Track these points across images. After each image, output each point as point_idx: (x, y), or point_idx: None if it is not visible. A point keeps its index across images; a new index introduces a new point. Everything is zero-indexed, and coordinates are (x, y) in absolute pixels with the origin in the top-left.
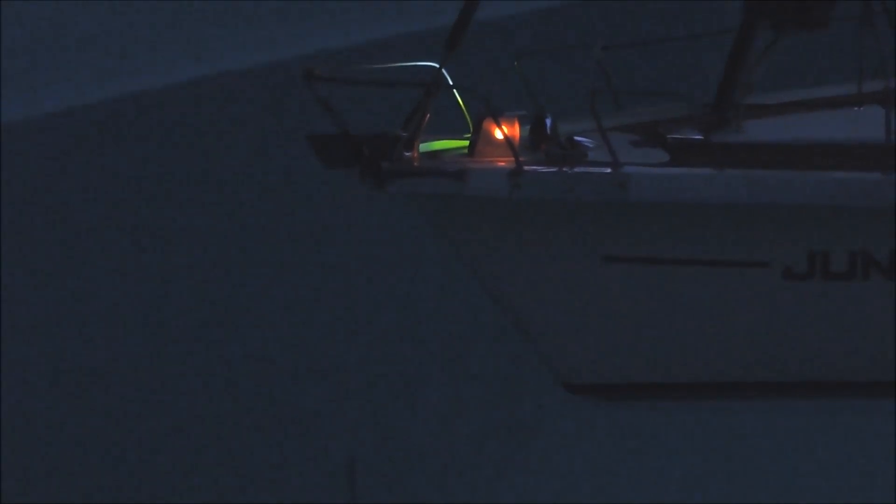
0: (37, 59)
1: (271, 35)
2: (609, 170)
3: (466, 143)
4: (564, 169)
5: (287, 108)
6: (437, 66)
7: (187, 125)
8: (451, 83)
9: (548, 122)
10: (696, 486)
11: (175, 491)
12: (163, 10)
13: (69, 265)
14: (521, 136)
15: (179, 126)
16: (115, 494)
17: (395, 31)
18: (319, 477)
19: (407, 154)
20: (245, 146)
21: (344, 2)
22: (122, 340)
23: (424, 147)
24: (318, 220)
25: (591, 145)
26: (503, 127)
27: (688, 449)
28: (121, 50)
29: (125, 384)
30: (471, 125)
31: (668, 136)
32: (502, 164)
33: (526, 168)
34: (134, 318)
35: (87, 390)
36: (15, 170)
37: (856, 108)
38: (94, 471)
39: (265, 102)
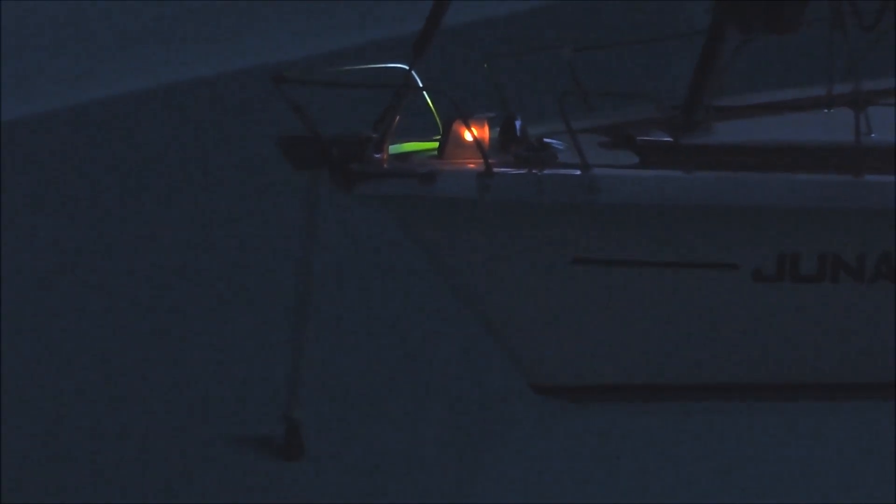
0: (36, 57)
1: (238, 44)
2: (578, 172)
3: (436, 144)
4: (534, 171)
5: (262, 112)
6: (407, 68)
7: (183, 124)
8: (420, 85)
9: (517, 124)
10: (667, 489)
11: (176, 491)
12: (160, 11)
13: (69, 263)
14: (490, 138)
15: (176, 125)
16: (116, 495)
17: (364, 39)
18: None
19: (376, 156)
20: (243, 145)
21: (312, 8)
22: (123, 337)
23: (394, 149)
24: (300, 220)
25: (560, 147)
26: (473, 129)
27: (657, 451)
28: (120, 49)
29: (126, 382)
30: (440, 127)
31: (638, 138)
32: (472, 165)
33: (495, 170)
34: (133, 315)
35: (88, 388)
36: (14, 168)
37: (826, 111)
38: (93, 471)
39: (254, 104)
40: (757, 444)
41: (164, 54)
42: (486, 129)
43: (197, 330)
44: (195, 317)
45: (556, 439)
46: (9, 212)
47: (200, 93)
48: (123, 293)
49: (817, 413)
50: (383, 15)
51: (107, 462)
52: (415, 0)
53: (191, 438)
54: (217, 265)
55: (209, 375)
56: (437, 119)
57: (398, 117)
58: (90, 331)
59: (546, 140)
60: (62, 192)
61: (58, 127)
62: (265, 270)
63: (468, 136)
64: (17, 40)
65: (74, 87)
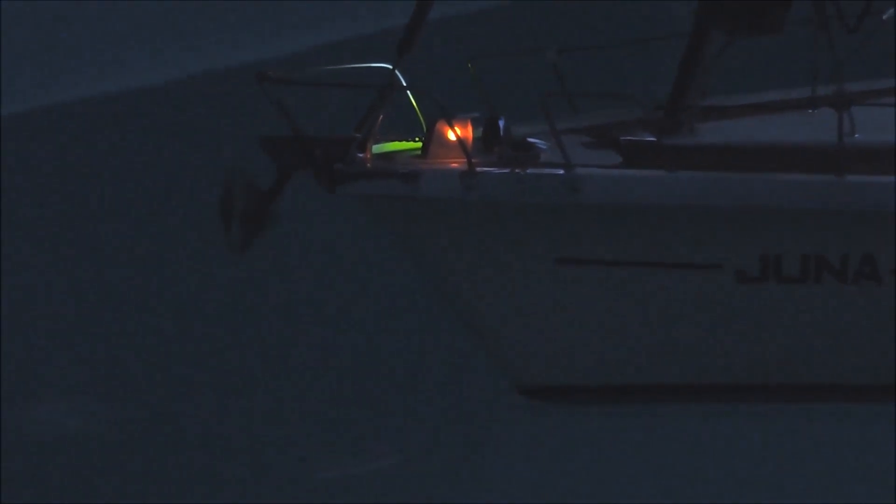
0: (36, 54)
1: (224, 42)
2: (561, 171)
3: (419, 144)
4: (517, 171)
5: (241, 111)
6: (391, 67)
7: (183, 121)
8: (404, 84)
9: (501, 123)
10: (654, 490)
11: (176, 492)
12: (158, 10)
13: (69, 258)
14: (474, 138)
15: (175, 122)
16: (116, 495)
17: (346, 35)
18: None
19: (360, 155)
20: (242, 143)
21: (294, 5)
22: (123, 334)
23: (378, 149)
24: (300, 221)
25: (544, 147)
26: (456, 129)
27: (644, 452)
28: (120, 46)
29: (126, 381)
30: (424, 127)
31: (621, 139)
32: (455, 165)
33: (479, 170)
34: (134, 311)
35: (88, 388)
36: (14, 164)
37: (810, 111)
38: (94, 472)
39: (229, 104)
40: (743, 445)
41: (157, 52)
42: (470, 128)
43: (194, 327)
44: (192, 315)
45: (540, 440)
46: (8, 206)
47: (189, 91)
48: (119, 289)
49: (809, 415)
50: (366, 11)
51: (107, 464)
52: None
53: (189, 440)
54: (212, 263)
55: (205, 372)
56: (421, 119)
57: (382, 117)
58: (92, 326)
59: (529, 140)
60: (57, 188)
61: (59, 123)
62: (257, 268)
63: (452, 136)
64: (12, 39)
65: (77, 82)
